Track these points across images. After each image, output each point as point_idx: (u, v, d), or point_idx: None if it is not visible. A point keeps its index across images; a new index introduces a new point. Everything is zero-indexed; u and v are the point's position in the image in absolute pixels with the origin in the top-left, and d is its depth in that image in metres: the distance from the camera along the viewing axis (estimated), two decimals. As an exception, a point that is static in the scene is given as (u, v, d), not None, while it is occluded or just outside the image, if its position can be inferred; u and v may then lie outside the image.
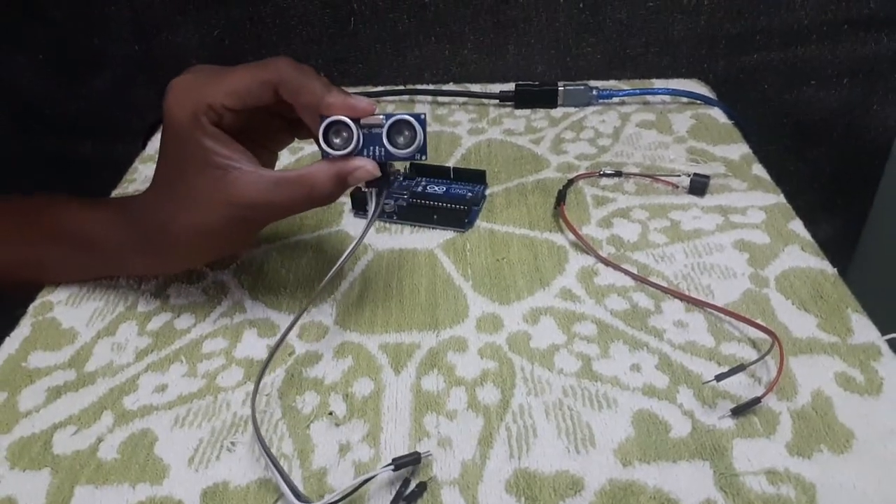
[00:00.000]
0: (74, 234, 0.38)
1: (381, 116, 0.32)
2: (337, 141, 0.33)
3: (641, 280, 0.39)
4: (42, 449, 0.31)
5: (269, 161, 0.38)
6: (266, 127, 0.36)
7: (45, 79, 0.67)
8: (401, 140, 0.33)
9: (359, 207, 0.46)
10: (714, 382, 0.32)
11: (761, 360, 0.33)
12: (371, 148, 0.33)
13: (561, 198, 0.45)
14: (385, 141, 0.33)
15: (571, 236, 0.43)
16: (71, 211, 0.38)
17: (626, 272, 0.39)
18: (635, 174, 0.48)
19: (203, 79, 0.33)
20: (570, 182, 0.47)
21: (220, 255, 0.41)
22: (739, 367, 0.32)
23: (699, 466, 0.29)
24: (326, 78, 0.34)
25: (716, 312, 0.37)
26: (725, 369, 0.32)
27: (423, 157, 0.33)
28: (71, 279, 0.41)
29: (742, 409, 0.31)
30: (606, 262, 0.40)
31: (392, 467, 0.29)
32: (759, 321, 0.35)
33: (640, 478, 0.29)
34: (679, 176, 0.47)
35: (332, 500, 0.28)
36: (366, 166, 0.33)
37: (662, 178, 0.47)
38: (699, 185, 0.46)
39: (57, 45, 0.65)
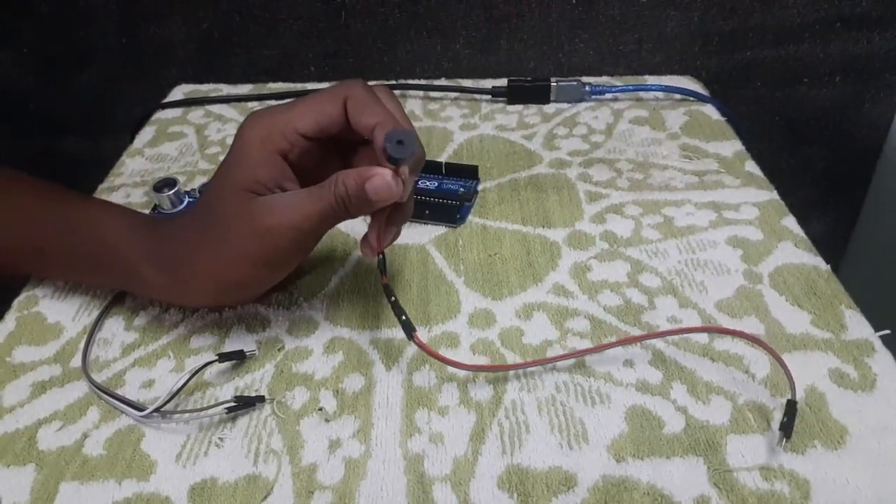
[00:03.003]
0: (85, 235, 0.36)
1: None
2: None
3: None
4: (27, 445, 0.31)
5: None
6: (324, 167, 0.34)
7: (30, 73, 0.66)
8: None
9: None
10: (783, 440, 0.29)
11: (754, 359, 0.33)
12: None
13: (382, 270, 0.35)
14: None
15: (564, 231, 0.42)
16: (78, 207, 0.37)
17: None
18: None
19: (280, 108, 0.33)
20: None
21: (231, 299, 0.37)
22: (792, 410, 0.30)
23: (693, 462, 0.29)
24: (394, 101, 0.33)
25: (711, 303, 0.36)
26: (715, 362, 0.32)
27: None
28: (67, 279, 0.40)
29: (790, 427, 0.29)
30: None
31: (217, 359, 0.33)
32: (746, 332, 0.34)
33: (634, 474, 0.29)
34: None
35: (168, 398, 0.31)
36: (384, 176, 0.30)
37: None
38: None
39: (42, 38, 0.64)
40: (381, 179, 0.31)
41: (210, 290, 0.34)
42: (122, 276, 0.36)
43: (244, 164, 0.32)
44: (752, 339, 0.33)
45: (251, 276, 0.33)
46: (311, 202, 0.31)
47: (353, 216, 0.32)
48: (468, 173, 0.47)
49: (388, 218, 0.33)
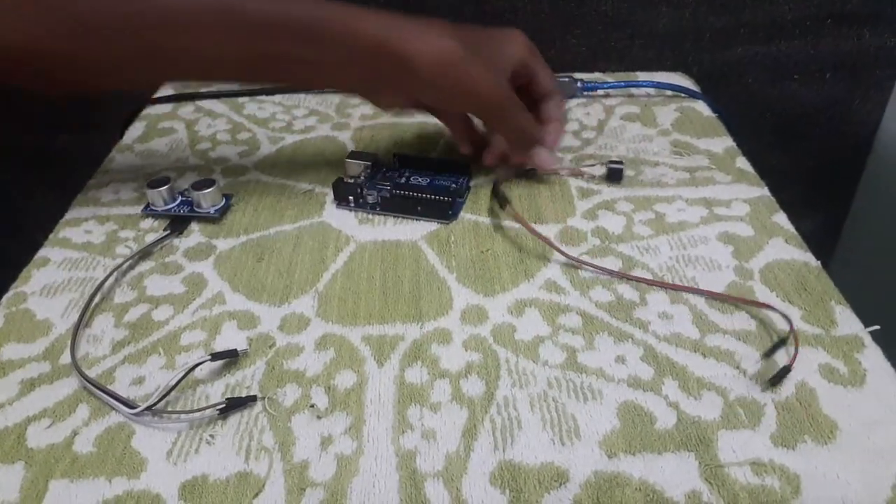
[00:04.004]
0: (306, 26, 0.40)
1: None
2: None
3: (614, 273, 0.39)
4: (15, 442, 0.31)
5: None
6: None
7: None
8: None
9: (340, 199, 0.45)
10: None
11: (745, 355, 0.33)
12: None
13: (502, 200, 0.44)
14: None
15: (556, 227, 0.42)
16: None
17: (595, 266, 0.39)
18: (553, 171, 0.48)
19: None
20: (496, 184, 0.46)
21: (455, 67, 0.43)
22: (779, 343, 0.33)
23: (684, 458, 0.29)
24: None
25: (703, 298, 0.36)
26: (706, 358, 0.32)
27: None
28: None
29: (778, 379, 0.32)
30: (575, 260, 0.40)
31: (210, 358, 0.33)
32: (754, 298, 0.35)
33: (626, 469, 0.29)
34: (594, 165, 0.48)
35: (159, 396, 0.31)
36: (550, 159, 0.46)
37: (583, 169, 0.48)
38: (615, 173, 0.46)
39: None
40: (547, 158, 0.45)
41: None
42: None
43: (505, 56, 0.45)
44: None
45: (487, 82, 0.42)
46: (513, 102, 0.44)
47: (504, 134, 0.46)
48: (460, 169, 0.47)
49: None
